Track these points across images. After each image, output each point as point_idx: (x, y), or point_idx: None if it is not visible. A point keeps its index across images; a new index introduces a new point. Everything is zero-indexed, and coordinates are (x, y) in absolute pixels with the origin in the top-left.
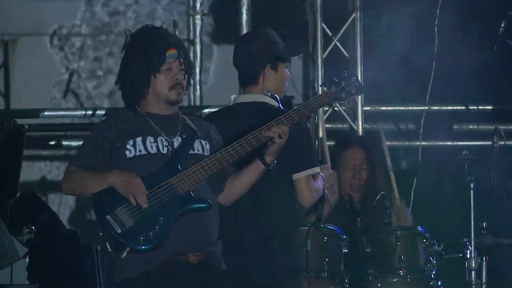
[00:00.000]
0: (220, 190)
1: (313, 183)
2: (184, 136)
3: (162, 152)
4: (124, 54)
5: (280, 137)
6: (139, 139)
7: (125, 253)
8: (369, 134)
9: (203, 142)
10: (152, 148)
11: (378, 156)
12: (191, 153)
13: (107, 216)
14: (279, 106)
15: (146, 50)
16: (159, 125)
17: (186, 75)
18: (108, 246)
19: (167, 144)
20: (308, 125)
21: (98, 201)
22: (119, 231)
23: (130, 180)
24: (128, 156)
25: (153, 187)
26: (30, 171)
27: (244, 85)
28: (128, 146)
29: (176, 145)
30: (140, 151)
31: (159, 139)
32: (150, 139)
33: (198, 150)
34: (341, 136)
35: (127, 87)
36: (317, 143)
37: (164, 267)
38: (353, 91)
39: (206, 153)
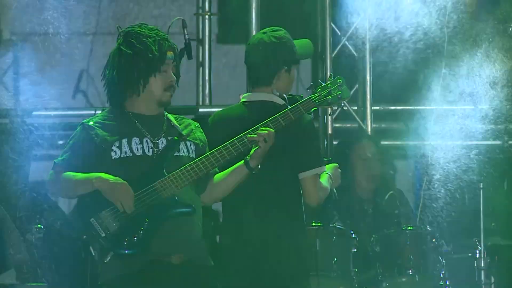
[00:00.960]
0: (202, 190)
1: (319, 182)
2: (169, 137)
3: (148, 154)
4: (118, 50)
5: (265, 141)
6: (124, 141)
7: (108, 257)
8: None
9: (188, 143)
10: (137, 150)
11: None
12: (176, 155)
13: (92, 219)
14: (286, 105)
15: (148, 50)
16: (144, 126)
17: (177, 77)
18: (92, 250)
19: (152, 146)
20: (316, 125)
21: (83, 204)
22: (103, 235)
23: (118, 185)
24: (113, 158)
25: (138, 191)
26: (39, 171)
27: (255, 85)
28: (113, 147)
29: (161, 146)
30: (125, 152)
31: (144, 140)
32: (135, 140)
33: (183, 151)
34: (349, 135)
35: (121, 84)
36: (325, 142)
37: (147, 268)
38: (339, 96)
39: (191, 154)
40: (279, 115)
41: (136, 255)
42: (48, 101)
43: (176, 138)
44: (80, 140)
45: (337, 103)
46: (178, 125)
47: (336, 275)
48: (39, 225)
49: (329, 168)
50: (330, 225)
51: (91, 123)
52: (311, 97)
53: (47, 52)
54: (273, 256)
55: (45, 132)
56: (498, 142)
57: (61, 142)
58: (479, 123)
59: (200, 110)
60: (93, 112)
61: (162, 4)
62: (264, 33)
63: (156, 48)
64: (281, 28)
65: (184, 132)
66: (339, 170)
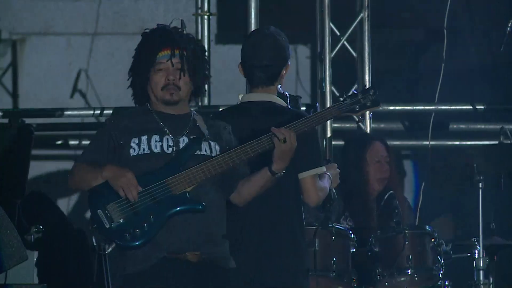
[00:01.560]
0: (231, 190)
1: (319, 182)
2: (191, 136)
3: (166, 151)
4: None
5: (284, 141)
6: (144, 138)
7: (109, 249)
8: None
9: (212, 143)
10: (156, 147)
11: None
12: (197, 154)
13: (99, 211)
14: (287, 106)
15: (140, 50)
16: (167, 124)
17: (184, 74)
18: (94, 241)
19: (172, 144)
20: None
21: (93, 195)
22: (107, 226)
23: (122, 174)
24: (131, 154)
25: (149, 185)
26: (38, 171)
27: (258, 85)
28: (132, 144)
29: (181, 144)
30: (144, 149)
31: (165, 138)
32: (155, 138)
33: (205, 151)
34: (357, 135)
35: (134, 86)
36: (324, 142)
37: (161, 265)
38: (368, 104)
39: (214, 154)
40: (302, 120)
41: (139, 248)
42: (47, 101)
43: (197, 137)
44: (100, 136)
45: (364, 112)
46: (204, 125)
47: (335, 274)
48: (38, 225)
49: (328, 168)
50: (329, 225)
51: (113, 119)
52: (337, 104)
53: (46, 52)
54: (272, 254)
55: (44, 132)
56: (496, 142)
57: (59, 142)
58: (477, 123)
59: (199, 110)
60: (91, 112)
61: (161, 4)
62: (263, 32)
63: (146, 49)
64: (270, 26)
65: (210, 132)
66: (338, 170)
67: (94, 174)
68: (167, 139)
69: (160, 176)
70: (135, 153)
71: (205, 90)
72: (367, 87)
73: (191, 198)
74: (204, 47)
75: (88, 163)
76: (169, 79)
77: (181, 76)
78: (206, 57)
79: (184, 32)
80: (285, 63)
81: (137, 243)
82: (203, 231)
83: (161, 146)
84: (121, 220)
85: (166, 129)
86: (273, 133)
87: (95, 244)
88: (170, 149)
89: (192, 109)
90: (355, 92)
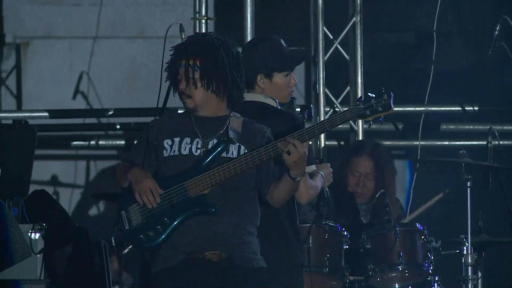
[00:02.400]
0: (264, 192)
1: (310, 181)
2: (220, 139)
3: (195, 154)
4: None
5: (288, 153)
6: (177, 140)
7: (126, 250)
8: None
9: (242, 146)
10: (185, 150)
11: (389, 163)
12: (223, 156)
13: (122, 212)
14: (277, 107)
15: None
16: (200, 127)
17: (193, 83)
18: (113, 241)
19: (200, 146)
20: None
21: (121, 197)
22: (126, 227)
23: (141, 179)
24: (164, 155)
25: (170, 188)
26: (41, 170)
27: (246, 87)
28: (165, 145)
29: (210, 147)
30: (174, 151)
31: (195, 140)
32: (187, 140)
33: (232, 153)
34: (355, 142)
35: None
36: (318, 142)
37: (182, 265)
38: (379, 109)
39: None
40: (316, 125)
41: (153, 249)
42: (50, 103)
43: (222, 139)
44: (141, 136)
45: (376, 117)
46: (239, 128)
47: (328, 271)
48: (41, 223)
49: (321, 167)
50: (323, 222)
51: (153, 122)
52: (350, 109)
53: (49, 55)
54: (267, 252)
55: (47, 132)
56: (484, 142)
57: (62, 142)
58: (466, 124)
59: None
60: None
61: (160, 8)
62: (252, 40)
63: (171, 61)
64: (270, 36)
65: (243, 136)
66: (331, 169)
67: (124, 177)
68: (197, 141)
69: (182, 178)
70: (167, 154)
71: (240, 97)
72: (383, 90)
73: (205, 200)
74: (229, 56)
75: (127, 162)
76: (181, 88)
77: (191, 85)
78: (231, 64)
79: (209, 40)
80: (253, 71)
81: (150, 244)
82: (221, 232)
83: (190, 149)
84: (139, 222)
85: (197, 131)
86: (281, 147)
87: (113, 244)
88: (199, 151)
89: (233, 113)
90: (369, 95)
